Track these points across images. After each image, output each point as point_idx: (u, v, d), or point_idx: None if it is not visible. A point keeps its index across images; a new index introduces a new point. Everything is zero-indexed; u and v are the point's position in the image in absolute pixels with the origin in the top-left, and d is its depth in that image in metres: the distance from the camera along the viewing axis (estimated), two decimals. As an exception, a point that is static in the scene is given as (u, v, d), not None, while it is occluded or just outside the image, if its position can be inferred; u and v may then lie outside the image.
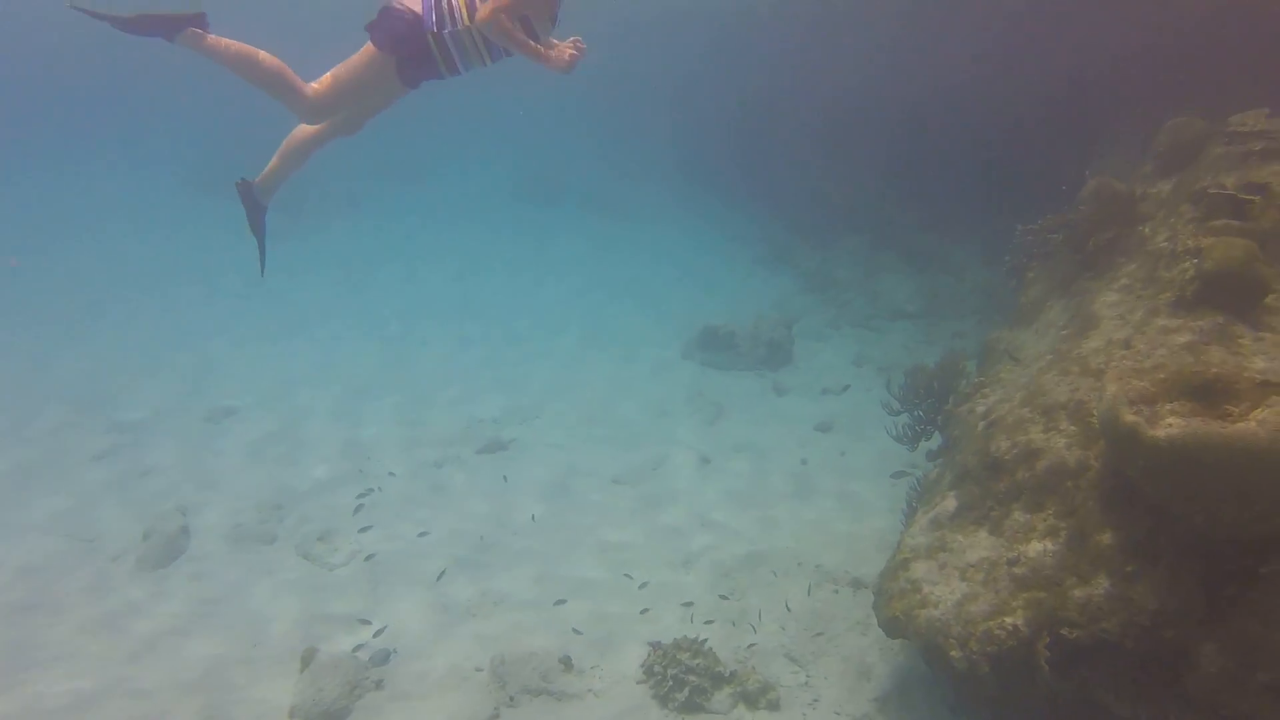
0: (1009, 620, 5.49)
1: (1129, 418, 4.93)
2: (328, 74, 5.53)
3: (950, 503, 6.69)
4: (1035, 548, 5.73)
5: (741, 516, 9.84)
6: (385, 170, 27.78)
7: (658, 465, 11.03)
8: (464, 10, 5.34)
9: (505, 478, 10.52)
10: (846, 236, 20.85)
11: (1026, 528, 5.90)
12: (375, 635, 7.58)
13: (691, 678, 6.97)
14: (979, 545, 6.12)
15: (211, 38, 5.39)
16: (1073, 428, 6.11)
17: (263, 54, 5.46)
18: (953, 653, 5.66)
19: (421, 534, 9.24)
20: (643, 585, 8.44)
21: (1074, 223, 9.21)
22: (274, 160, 5.97)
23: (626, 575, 8.61)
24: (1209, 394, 4.99)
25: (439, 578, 8.47)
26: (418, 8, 5.38)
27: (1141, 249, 8.45)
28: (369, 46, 5.45)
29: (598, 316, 17.25)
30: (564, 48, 5.30)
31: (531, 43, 5.23)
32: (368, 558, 8.77)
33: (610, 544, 9.26)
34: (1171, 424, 4.77)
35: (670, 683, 6.97)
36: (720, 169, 25.14)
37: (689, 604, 8.15)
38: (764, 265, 20.75)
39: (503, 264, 21.19)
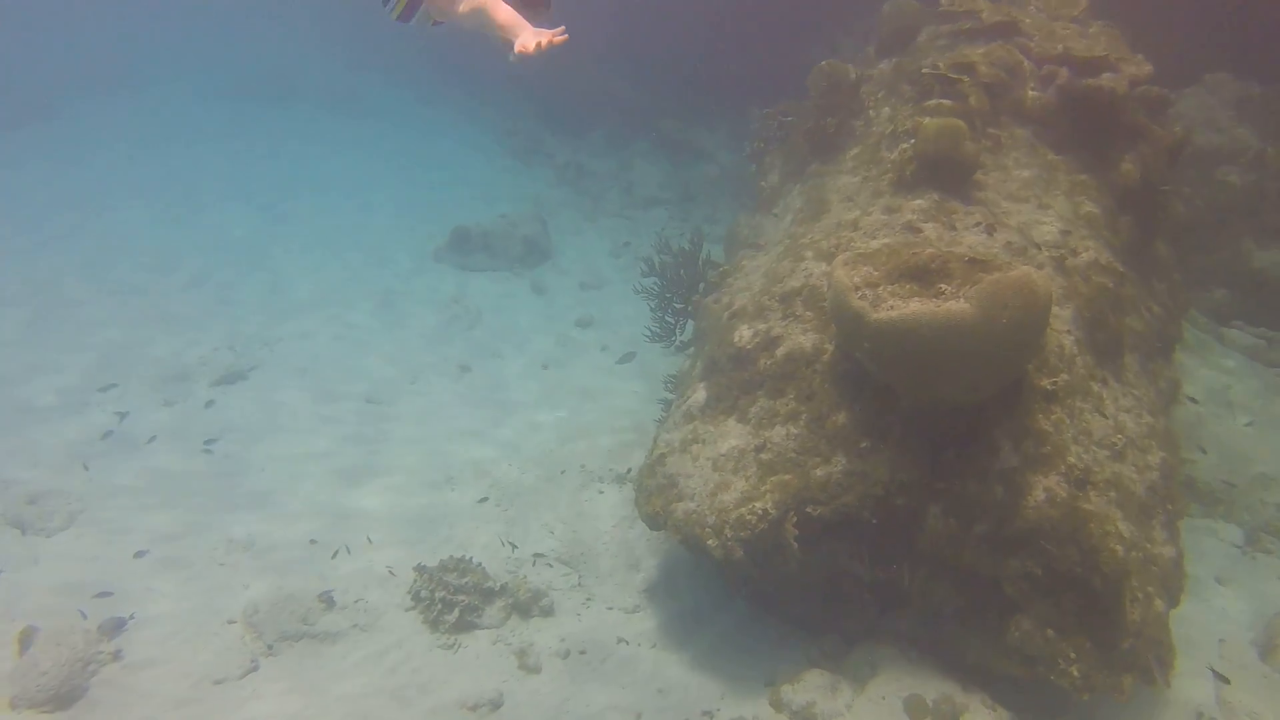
0: (759, 505, 5.67)
1: (855, 303, 5.09)
2: None
3: (700, 394, 6.79)
4: (779, 433, 5.91)
5: (503, 424, 9.66)
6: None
7: (414, 379, 10.57)
8: None
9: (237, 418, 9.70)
10: (598, 126, 20.58)
11: (770, 414, 6.08)
12: (97, 597, 6.83)
13: (461, 597, 6.81)
14: (729, 435, 6.26)
15: None
16: (809, 313, 6.30)
17: None
18: (709, 541, 5.80)
19: (152, 482, 8.38)
20: (401, 508, 8.13)
21: (805, 107, 9.42)
22: None
23: (384, 499, 8.25)
24: (925, 274, 5.22)
25: (179, 529, 7.74)
26: None
27: (867, 131, 8.77)
28: None
29: (340, 223, 16.03)
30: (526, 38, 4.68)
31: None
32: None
33: (362, 467, 8.79)
34: (893, 306, 4.96)
35: (439, 605, 6.78)
36: (466, 59, 23.89)
37: (452, 522, 7.95)
38: (516, 159, 20.11)
39: (230, 168, 19.17)
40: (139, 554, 7.40)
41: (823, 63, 9.27)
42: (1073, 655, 5.13)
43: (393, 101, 24.44)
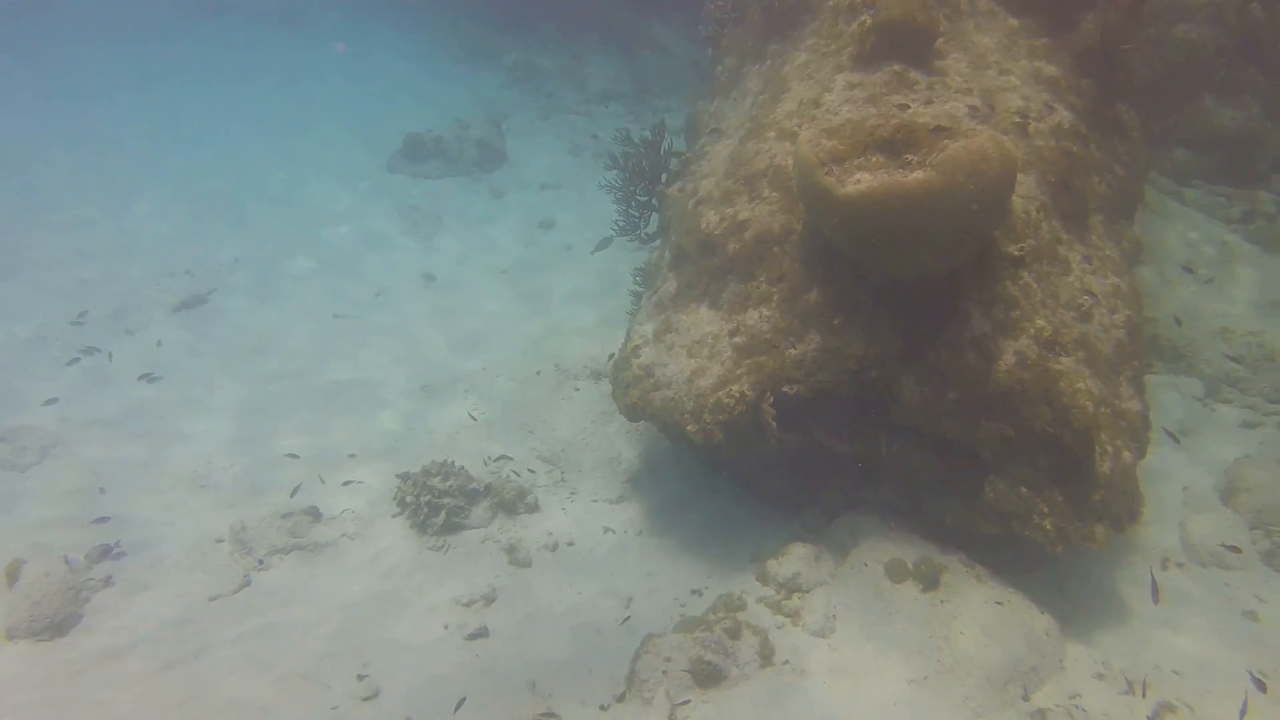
0: (735, 388, 5.72)
1: (822, 179, 5.03)
2: None
3: (671, 284, 6.77)
4: (752, 316, 5.93)
5: (471, 330, 9.62)
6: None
7: (380, 291, 10.44)
8: None
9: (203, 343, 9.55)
10: (545, 22, 19.94)
11: (742, 298, 6.08)
12: (96, 522, 6.84)
13: (446, 500, 6.89)
14: (702, 322, 6.27)
15: None
16: (775, 194, 6.24)
17: None
18: (689, 427, 5.87)
19: (131, 407, 8.28)
20: (381, 418, 8.14)
21: (760, -17, 9.13)
22: None
23: (365, 411, 8.24)
24: (892, 146, 5.17)
25: (156, 455, 7.70)
26: None
27: (824, 5, 8.53)
28: None
29: (288, 141, 15.50)
30: None
31: None
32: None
33: (338, 383, 8.75)
34: (860, 179, 4.92)
35: (425, 509, 6.86)
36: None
37: (431, 428, 7.98)
38: (463, 63, 19.47)
39: (169, 90, 18.38)
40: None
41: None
42: (1046, 510, 5.31)
43: (330, 15, 23.35)
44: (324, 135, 15.23)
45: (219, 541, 6.73)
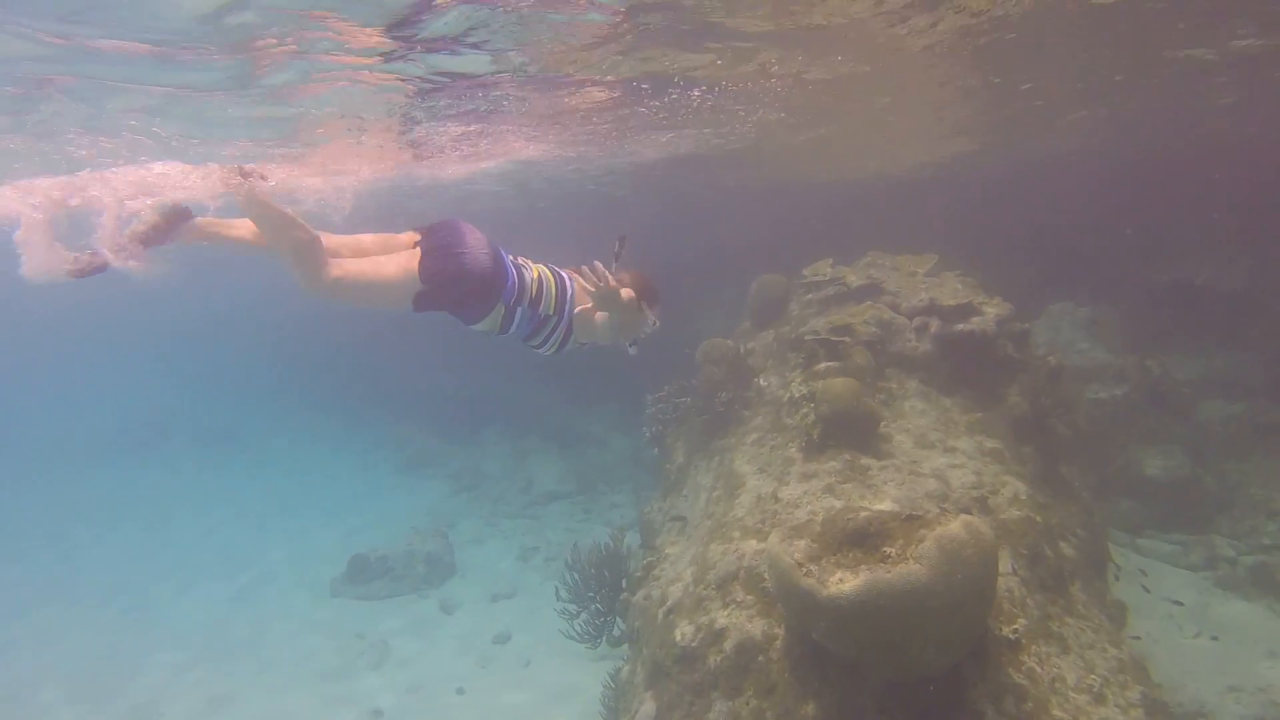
0: (740, 830, 4.98)
1: (803, 581, 4.78)
2: (355, 265, 4.38)
3: (650, 705, 6.18)
4: (746, 738, 5.34)
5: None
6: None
7: (323, 737, 9.42)
8: (553, 296, 4.71)
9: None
10: (487, 428, 20.61)
11: (732, 716, 5.52)
12: None
13: None
14: (690, 748, 5.63)
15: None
16: (749, 597, 5.94)
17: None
18: None
19: None
20: None
21: (696, 386, 9.56)
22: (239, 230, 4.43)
23: None
24: (865, 538, 5.02)
25: None
26: (488, 261, 4.44)
27: (761, 400, 8.90)
28: (413, 261, 4.39)
29: (226, 563, 14.95)
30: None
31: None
32: None
33: None
34: (842, 579, 4.68)
35: None
36: (340, 385, 24.07)
37: None
38: (407, 474, 19.71)
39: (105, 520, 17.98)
40: None
41: (706, 341, 9.55)
42: None
43: (271, 439, 23.93)
44: (265, 567, 14.73)
45: None
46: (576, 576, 8.71)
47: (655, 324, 4.95)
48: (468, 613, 12.34)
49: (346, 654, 11.29)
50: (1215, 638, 8.38)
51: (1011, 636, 5.39)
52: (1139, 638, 8.22)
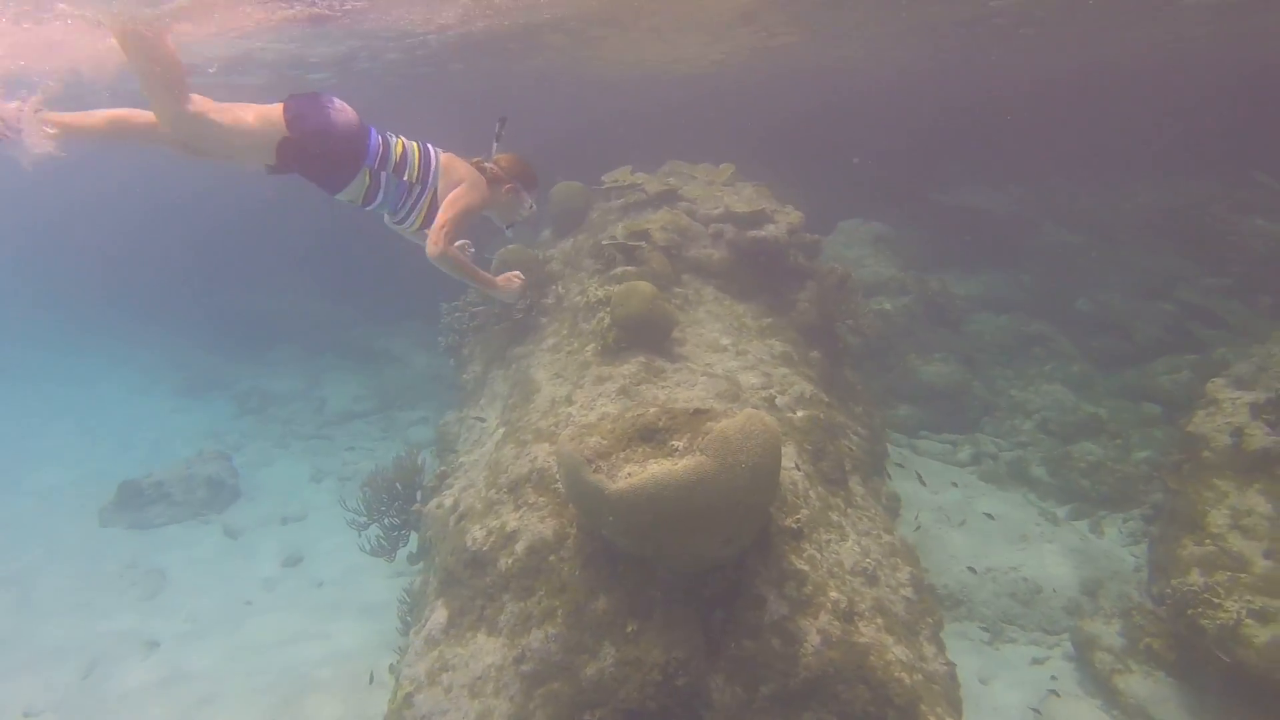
0: (531, 727, 4.95)
1: (591, 476, 4.71)
2: (218, 105, 4.40)
3: (441, 612, 6.02)
4: (537, 637, 5.28)
5: (208, 702, 8.09)
6: None
7: (87, 673, 8.68)
8: (415, 164, 4.78)
9: None
10: (278, 347, 19.47)
11: (523, 617, 5.45)
12: None
13: None
14: (481, 653, 5.52)
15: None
16: (542, 499, 5.84)
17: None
18: (481, 788, 4.96)
19: None
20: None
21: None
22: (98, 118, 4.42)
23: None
24: (655, 434, 5.01)
25: None
26: (354, 121, 4.61)
27: (560, 306, 8.75)
28: (277, 112, 4.46)
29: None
30: (511, 277, 5.09)
31: (481, 274, 4.87)
32: None
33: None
34: (630, 473, 4.65)
35: None
36: (114, 301, 22.00)
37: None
38: (189, 396, 18.31)
39: None
40: None
41: (503, 248, 9.25)
42: (888, 802, 4.81)
43: (30, 352, 21.64)
44: (22, 499, 13.37)
45: None
46: (369, 490, 8.36)
47: (532, 208, 5.28)
48: (255, 536, 11.70)
49: (117, 584, 10.45)
50: (989, 516, 9.09)
51: (794, 526, 5.58)
52: (919, 527, 8.85)
